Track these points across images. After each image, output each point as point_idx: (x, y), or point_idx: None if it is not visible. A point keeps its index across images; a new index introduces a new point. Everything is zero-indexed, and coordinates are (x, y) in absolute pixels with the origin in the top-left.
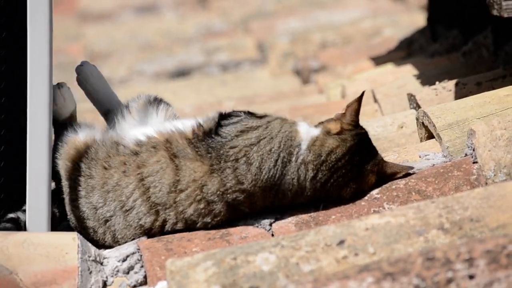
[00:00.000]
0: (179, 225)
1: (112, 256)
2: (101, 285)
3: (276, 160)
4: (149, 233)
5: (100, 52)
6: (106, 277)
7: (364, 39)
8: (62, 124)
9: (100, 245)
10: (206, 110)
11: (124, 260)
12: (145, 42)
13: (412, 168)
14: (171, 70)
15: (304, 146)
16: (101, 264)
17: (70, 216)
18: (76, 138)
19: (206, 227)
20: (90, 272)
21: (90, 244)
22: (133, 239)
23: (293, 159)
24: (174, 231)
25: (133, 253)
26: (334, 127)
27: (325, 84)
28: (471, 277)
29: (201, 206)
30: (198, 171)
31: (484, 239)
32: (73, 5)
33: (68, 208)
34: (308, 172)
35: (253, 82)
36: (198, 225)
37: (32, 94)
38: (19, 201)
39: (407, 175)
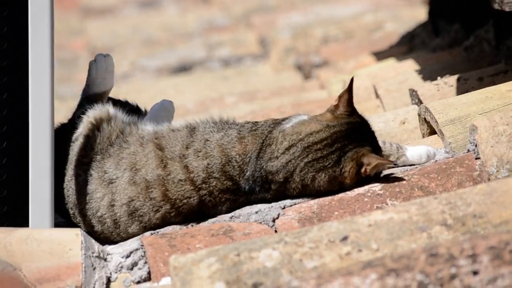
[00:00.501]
0: (181, 174)
1: (116, 252)
2: (105, 281)
3: (269, 125)
4: (150, 189)
5: (102, 47)
6: (110, 273)
7: (366, 34)
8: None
9: (88, 215)
10: (209, 106)
11: (127, 256)
12: (148, 37)
13: (391, 162)
14: (173, 65)
15: (290, 123)
16: (105, 260)
17: (70, 179)
18: (109, 108)
19: (202, 180)
20: (94, 268)
21: (93, 241)
22: (131, 200)
23: (279, 127)
24: (175, 187)
25: (137, 249)
26: (326, 118)
27: (326, 79)
28: (475, 273)
29: (201, 153)
30: (210, 134)
31: (487, 235)
32: (76, 0)
33: (71, 170)
34: (284, 142)
35: (255, 78)
36: (195, 174)
37: (34, 90)
38: (22, 197)
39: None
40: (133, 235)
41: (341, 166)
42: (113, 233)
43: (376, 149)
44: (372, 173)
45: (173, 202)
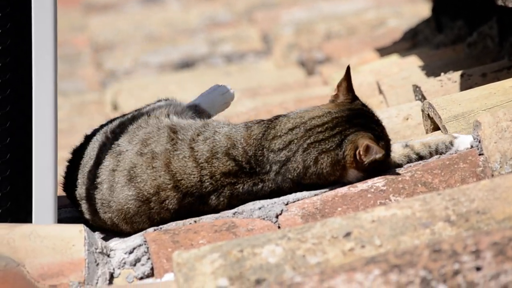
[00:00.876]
0: (186, 152)
1: (119, 248)
2: (108, 277)
3: (275, 116)
4: (155, 159)
5: (105, 43)
6: (113, 269)
7: (369, 30)
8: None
9: (88, 178)
10: None
11: (131, 252)
12: (150, 33)
13: (382, 150)
14: (176, 62)
15: (294, 112)
16: (108, 256)
17: (92, 144)
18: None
19: (205, 159)
20: (97, 264)
21: (97, 237)
22: (133, 167)
23: (286, 115)
24: (179, 162)
25: (140, 245)
26: (328, 107)
27: (329, 75)
28: (478, 269)
29: (209, 140)
30: (221, 128)
31: (491, 231)
32: None
33: (96, 135)
34: (288, 123)
35: (258, 74)
36: (200, 153)
37: (37, 86)
38: (25, 193)
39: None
40: (121, 208)
41: (343, 149)
42: (103, 203)
43: (380, 137)
44: (366, 161)
45: (173, 174)
